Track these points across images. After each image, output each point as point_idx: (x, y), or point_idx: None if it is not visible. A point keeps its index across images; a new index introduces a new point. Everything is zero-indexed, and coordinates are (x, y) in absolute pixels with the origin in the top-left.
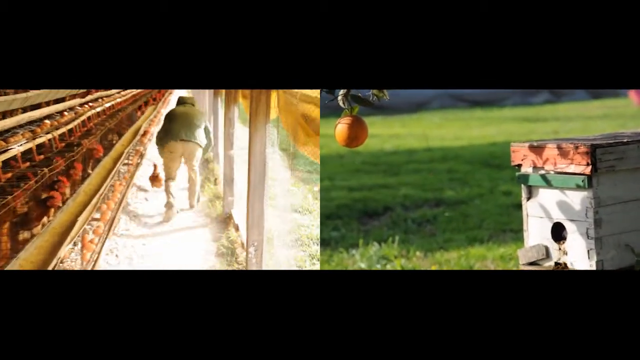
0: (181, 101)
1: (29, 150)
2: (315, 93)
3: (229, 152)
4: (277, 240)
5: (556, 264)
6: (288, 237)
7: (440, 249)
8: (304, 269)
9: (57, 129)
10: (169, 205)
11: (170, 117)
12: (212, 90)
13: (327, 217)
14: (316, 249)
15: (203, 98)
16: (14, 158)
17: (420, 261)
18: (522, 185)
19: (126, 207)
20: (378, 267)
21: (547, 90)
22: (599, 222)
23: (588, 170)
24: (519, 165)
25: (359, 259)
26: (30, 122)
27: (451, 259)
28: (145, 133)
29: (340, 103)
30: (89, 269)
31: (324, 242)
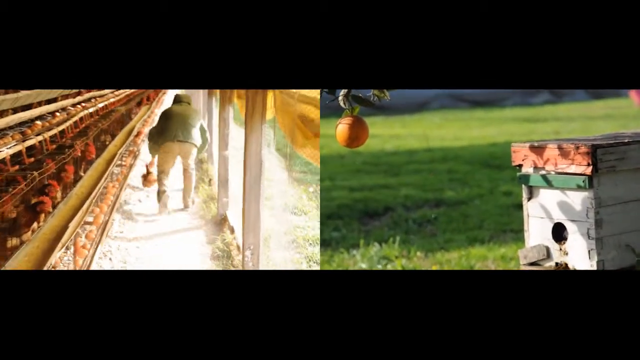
0: (177, 100)
1: (19, 153)
2: (314, 93)
3: (223, 152)
4: (273, 242)
5: (557, 264)
6: (284, 238)
7: (441, 249)
8: (303, 269)
9: (48, 130)
10: (161, 194)
11: (166, 116)
12: (206, 90)
13: (328, 217)
14: (312, 250)
15: (197, 98)
16: (2, 161)
17: (421, 261)
18: (523, 186)
19: (120, 208)
20: (379, 267)
21: (547, 91)
22: (600, 222)
23: (589, 170)
24: (520, 166)
25: (359, 260)
26: (21, 124)
27: (452, 259)
28: (138, 134)
29: (341, 103)
30: None
31: (325, 243)
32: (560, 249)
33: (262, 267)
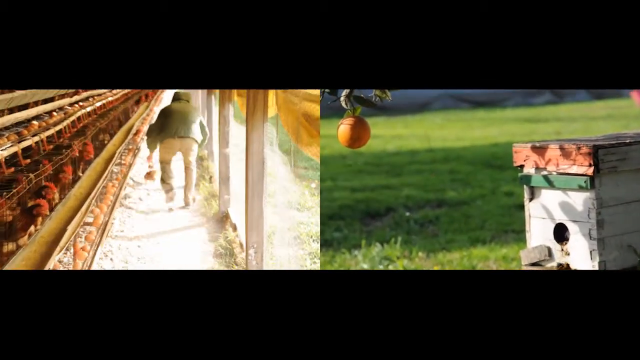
0: (176, 97)
1: (15, 154)
2: (318, 91)
3: (224, 150)
4: (277, 238)
5: (558, 264)
6: (287, 235)
7: (442, 249)
8: (305, 268)
9: (45, 130)
10: (166, 185)
11: (165, 113)
12: None
13: (330, 218)
14: (316, 247)
15: (196, 96)
16: None
17: (422, 262)
18: (525, 186)
19: (120, 207)
20: (380, 267)
21: (548, 91)
22: (602, 223)
23: (590, 171)
24: (522, 166)
25: (361, 260)
26: (17, 124)
27: (453, 260)
28: (137, 132)
29: (343, 104)
30: None
31: (327, 243)
32: (562, 250)
33: (265, 266)
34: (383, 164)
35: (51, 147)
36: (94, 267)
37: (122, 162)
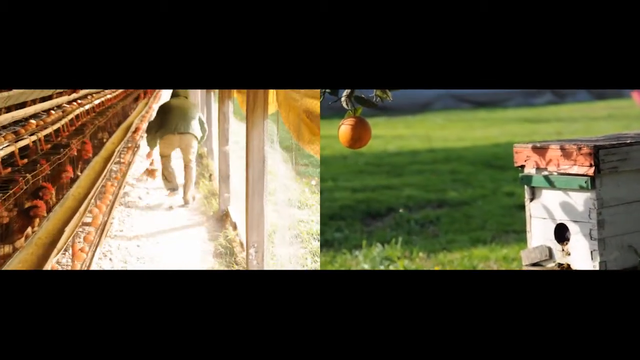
0: (175, 93)
1: (12, 154)
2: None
3: (223, 147)
4: (277, 237)
5: (559, 265)
6: (288, 233)
7: (443, 250)
8: (306, 268)
9: (43, 129)
10: (167, 182)
11: (164, 109)
12: None
13: (330, 218)
14: (316, 245)
15: (195, 92)
16: None
17: (423, 262)
18: (525, 187)
19: (122, 203)
20: (381, 268)
21: (549, 91)
22: (602, 223)
23: (591, 171)
24: (522, 166)
25: (362, 260)
26: (14, 123)
27: (454, 260)
28: (137, 129)
29: (344, 104)
30: None
31: (327, 243)
32: (563, 250)
33: (266, 265)
34: (384, 164)
35: (49, 146)
36: (93, 267)
37: (121, 160)
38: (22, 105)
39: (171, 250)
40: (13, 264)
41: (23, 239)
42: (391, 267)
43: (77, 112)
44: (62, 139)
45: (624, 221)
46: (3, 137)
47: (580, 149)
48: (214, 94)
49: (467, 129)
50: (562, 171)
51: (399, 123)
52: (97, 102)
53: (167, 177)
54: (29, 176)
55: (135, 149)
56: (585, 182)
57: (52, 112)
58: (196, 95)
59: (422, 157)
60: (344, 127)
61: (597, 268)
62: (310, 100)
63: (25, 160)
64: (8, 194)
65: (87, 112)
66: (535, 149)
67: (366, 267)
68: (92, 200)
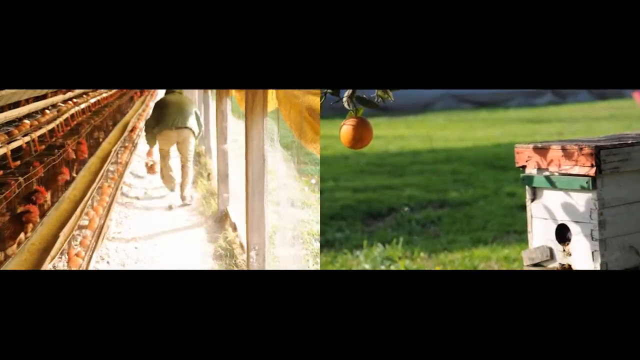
0: (169, 89)
1: (4, 156)
2: None
3: (222, 146)
4: (278, 238)
5: (561, 265)
6: (288, 234)
7: (444, 250)
8: (308, 269)
9: (37, 129)
10: (169, 185)
11: (161, 105)
12: None
13: (332, 218)
14: (317, 246)
15: (192, 90)
16: None
17: (424, 262)
18: (527, 187)
19: (120, 203)
20: (382, 268)
21: (550, 92)
22: (603, 223)
23: (592, 171)
24: (524, 167)
25: (363, 260)
26: (8, 123)
27: (455, 260)
28: (134, 129)
29: (345, 105)
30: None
31: (328, 244)
32: (564, 250)
33: (268, 267)
34: (385, 164)
35: (43, 147)
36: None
37: (119, 160)
38: (16, 104)
39: (170, 252)
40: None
41: (15, 245)
42: (392, 268)
43: (73, 111)
44: (57, 139)
45: (625, 222)
46: None
47: (581, 149)
48: (212, 91)
49: (468, 129)
50: (563, 171)
51: (400, 123)
52: (92, 100)
53: (165, 175)
54: (21, 179)
55: (133, 148)
56: (587, 182)
57: (47, 111)
58: (193, 93)
59: (423, 157)
60: (346, 128)
61: (598, 269)
62: (313, 97)
63: (18, 163)
64: None
65: (83, 111)
66: (536, 149)
67: (367, 267)
68: (89, 203)
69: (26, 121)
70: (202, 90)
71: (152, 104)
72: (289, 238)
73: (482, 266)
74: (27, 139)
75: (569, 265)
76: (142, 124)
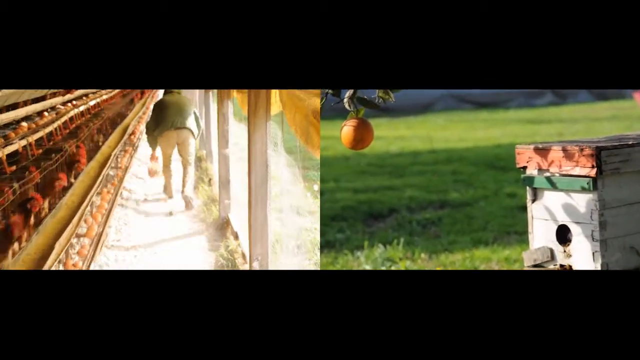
0: (168, 90)
1: None
2: None
3: (223, 150)
4: (281, 247)
5: (561, 266)
6: (292, 243)
7: (445, 250)
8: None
9: (34, 132)
10: (168, 185)
11: (160, 106)
12: None
13: (332, 219)
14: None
15: (192, 92)
16: None
17: (425, 263)
18: (527, 188)
19: (120, 205)
20: (383, 269)
21: (551, 92)
22: (604, 224)
23: (593, 172)
24: (524, 168)
25: (364, 261)
26: (4, 126)
27: (456, 261)
28: (134, 132)
29: (346, 105)
30: None
31: (329, 244)
32: (565, 251)
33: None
34: (386, 165)
35: (40, 151)
36: None
37: (118, 165)
38: (14, 106)
39: (170, 261)
40: None
41: (9, 256)
42: (393, 268)
43: (72, 113)
44: (55, 143)
45: (626, 222)
46: None
47: (582, 150)
48: (213, 93)
49: (469, 129)
50: (564, 172)
51: (400, 124)
52: (92, 103)
53: (166, 182)
54: (16, 185)
55: (133, 152)
56: (587, 183)
57: (45, 114)
58: (194, 95)
59: (423, 158)
60: (347, 129)
61: (599, 269)
62: (317, 99)
63: (14, 167)
64: None
65: (82, 113)
66: (537, 150)
67: (368, 268)
68: (87, 210)
69: (24, 124)
70: (203, 93)
71: (152, 107)
72: (293, 247)
73: (482, 267)
74: (23, 142)
75: (570, 266)
76: (142, 127)
